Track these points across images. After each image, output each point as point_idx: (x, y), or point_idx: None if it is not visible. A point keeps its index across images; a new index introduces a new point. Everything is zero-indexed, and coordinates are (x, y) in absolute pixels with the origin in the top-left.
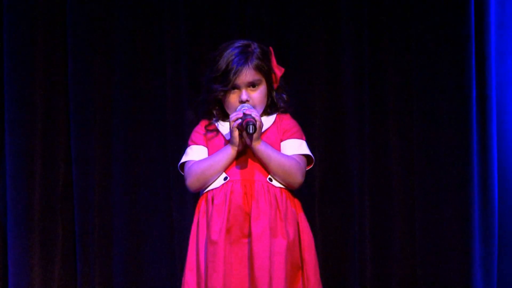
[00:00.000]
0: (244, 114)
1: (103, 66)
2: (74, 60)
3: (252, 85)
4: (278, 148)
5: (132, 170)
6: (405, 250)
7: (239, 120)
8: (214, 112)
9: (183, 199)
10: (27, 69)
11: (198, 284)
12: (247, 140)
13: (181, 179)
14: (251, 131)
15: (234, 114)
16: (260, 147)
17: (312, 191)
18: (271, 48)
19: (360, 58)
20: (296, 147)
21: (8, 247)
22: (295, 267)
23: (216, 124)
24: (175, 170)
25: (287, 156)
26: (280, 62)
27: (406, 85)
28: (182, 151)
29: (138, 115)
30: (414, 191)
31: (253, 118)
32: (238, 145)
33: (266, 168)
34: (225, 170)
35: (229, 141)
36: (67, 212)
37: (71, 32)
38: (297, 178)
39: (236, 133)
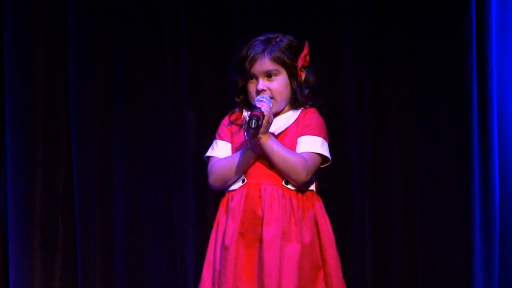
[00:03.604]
0: (255, 106)
1: (104, 65)
2: (75, 60)
3: (269, 75)
4: (294, 145)
5: (132, 170)
6: (405, 249)
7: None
8: (237, 101)
9: (183, 198)
10: (27, 68)
11: (213, 283)
12: (249, 134)
13: (181, 179)
14: (252, 126)
15: (245, 114)
16: (266, 141)
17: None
18: (306, 42)
19: (360, 58)
20: (309, 144)
21: (9, 246)
22: (315, 268)
23: (242, 114)
24: (175, 170)
25: (294, 153)
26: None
27: (406, 85)
28: (182, 151)
29: (138, 115)
30: (415, 191)
31: (261, 112)
32: (254, 149)
33: (271, 162)
34: (244, 172)
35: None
36: (68, 211)
37: (72, 31)
38: (300, 176)
39: (249, 138)
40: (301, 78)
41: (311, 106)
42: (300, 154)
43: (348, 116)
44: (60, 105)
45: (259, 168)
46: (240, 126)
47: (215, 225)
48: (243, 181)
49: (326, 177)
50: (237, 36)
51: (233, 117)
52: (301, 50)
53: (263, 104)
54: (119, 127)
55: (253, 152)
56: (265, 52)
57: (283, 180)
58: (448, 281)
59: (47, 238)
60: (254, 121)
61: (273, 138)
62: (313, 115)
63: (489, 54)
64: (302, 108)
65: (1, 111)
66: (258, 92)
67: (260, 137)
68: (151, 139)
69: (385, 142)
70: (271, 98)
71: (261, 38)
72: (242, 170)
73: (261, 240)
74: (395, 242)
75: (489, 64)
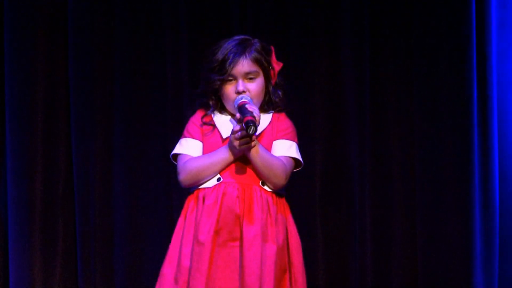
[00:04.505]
0: (246, 108)
1: (104, 65)
2: (75, 60)
3: (249, 76)
4: (270, 149)
5: (132, 170)
6: (406, 250)
7: (241, 132)
8: (211, 103)
9: (183, 198)
10: (28, 68)
11: (176, 279)
12: (238, 136)
13: None
14: (251, 132)
15: (238, 126)
16: (255, 145)
17: (313, 191)
18: (272, 47)
19: (360, 57)
20: (285, 148)
21: (9, 246)
22: (283, 270)
23: (212, 116)
24: (175, 170)
25: (274, 156)
26: (280, 61)
27: (406, 85)
28: None
29: (138, 115)
30: (415, 191)
31: (254, 116)
32: (237, 154)
33: (252, 164)
34: (221, 171)
35: (224, 139)
36: (68, 212)
37: (72, 31)
38: (281, 179)
39: (236, 143)
40: (275, 81)
41: (280, 111)
42: (279, 158)
43: (348, 116)
44: (60, 105)
45: (236, 167)
46: (214, 126)
47: (181, 223)
48: (218, 179)
49: (326, 177)
50: None
51: (206, 119)
52: (270, 52)
53: (254, 108)
54: (119, 127)
55: (234, 153)
56: (246, 53)
57: (260, 180)
58: (448, 281)
59: (47, 238)
60: (253, 127)
61: (256, 141)
62: (286, 119)
63: (489, 53)
64: (273, 112)
65: (1, 110)
66: (238, 93)
67: (253, 141)
68: (151, 139)
69: (385, 142)
70: (251, 99)
71: (235, 41)
72: (219, 170)
73: (240, 239)
74: (395, 242)
75: (489, 63)
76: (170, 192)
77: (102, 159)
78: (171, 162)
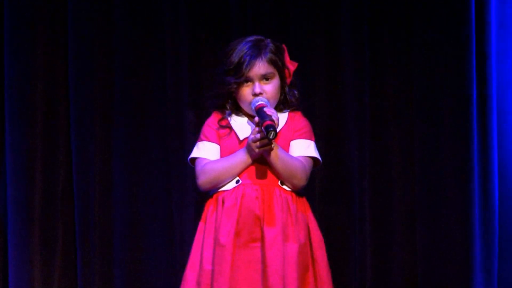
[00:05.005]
0: (264, 112)
1: (104, 66)
2: (75, 60)
3: (265, 78)
4: (287, 149)
5: (132, 170)
6: (405, 251)
7: (259, 135)
8: (228, 106)
9: (183, 198)
10: (27, 68)
11: (198, 282)
12: (256, 139)
13: (181, 178)
14: (271, 137)
15: (256, 129)
16: (275, 148)
17: (312, 190)
18: (284, 46)
19: (360, 57)
20: (304, 148)
21: (8, 246)
22: (305, 268)
23: (228, 118)
24: (175, 170)
25: (294, 158)
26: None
27: (406, 85)
28: (182, 151)
29: (138, 115)
30: (415, 192)
31: (273, 120)
32: (255, 156)
33: (272, 167)
34: (240, 174)
35: (241, 141)
36: (68, 212)
37: (72, 31)
38: (302, 180)
39: (255, 146)
40: (290, 81)
41: (295, 109)
42: (298, 159)
43: (348, 116)
44: (60, 105)
45: (254, 169)
46: (230, 129)
47: (201, 227)
48: (237, 181)
49: (326, 177)
50: (237, 37)
51: (223, 122)
52: (283, 51)
53: (273, 112)
54: (119, 127)
55: (252, 155)
56: (262, 55)
57: (278, 180)
58: (448, 281)
59: (46, 238)
60: (273, 132)
61: (275, 143)
62: (302, 118)
63: (488, 53)
64: (288, 111)
65: (1, 110)
66: (255, 95)
67: (272, 144)
68: (151, 138)
69: (385, 142)
70: (268, 100)
71: (250, 43)
72: (238, 172)
73: (261, 240)
74: (395, 242)
75: (488, 63)
76: (170, 192)
77: (102, 159)
78: (171, 162)
